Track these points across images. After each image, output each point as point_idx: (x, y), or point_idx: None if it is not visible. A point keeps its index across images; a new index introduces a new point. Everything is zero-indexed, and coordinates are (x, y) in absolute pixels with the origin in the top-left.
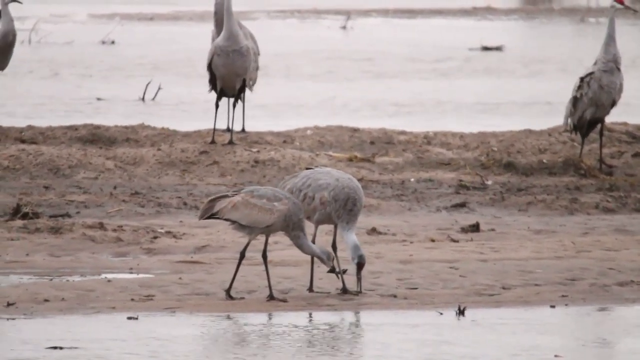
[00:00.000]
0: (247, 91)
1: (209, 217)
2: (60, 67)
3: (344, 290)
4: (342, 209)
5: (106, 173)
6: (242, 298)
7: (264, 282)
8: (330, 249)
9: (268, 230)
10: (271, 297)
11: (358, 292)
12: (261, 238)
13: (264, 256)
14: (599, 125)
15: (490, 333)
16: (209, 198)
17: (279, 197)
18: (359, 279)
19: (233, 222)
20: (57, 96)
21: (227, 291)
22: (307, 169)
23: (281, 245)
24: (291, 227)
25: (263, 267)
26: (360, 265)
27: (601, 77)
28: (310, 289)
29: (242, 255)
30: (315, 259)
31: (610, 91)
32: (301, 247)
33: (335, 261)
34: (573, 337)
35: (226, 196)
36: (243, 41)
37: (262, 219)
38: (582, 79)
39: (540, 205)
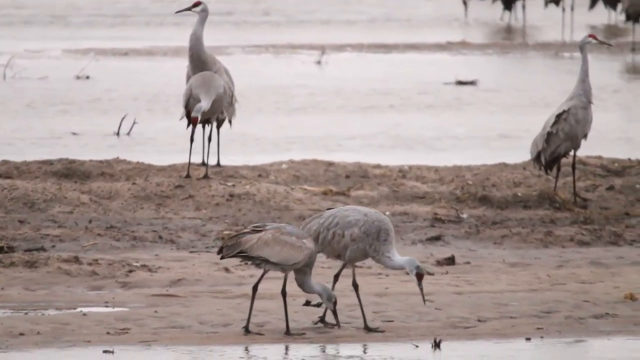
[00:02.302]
0: (224, 124)
1: (233, 255)
2: (35, 102)
3: (322, 320)
4: (376, 241)
5: (81, 207)
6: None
7: (239, 315)
8: (332, 291)
9: (292, 268)
10: (287, 332)
11: (335, 328)
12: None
13: (283, 292)
14: (570, 159)
15: None
16: (229, 236)
17: (304, 235)
18: (421, 290)
19: (261, 259)
20: (32, 131)
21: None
22: (328, 209)
23: (257, 279)
24: (310, 265)
25: (238, 301)
26: (419, 276)
27: (577, 113)
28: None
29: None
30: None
31: (585, 125)
32: (303, 284)
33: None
34: None
35: (246, 233)
36: (219, 85)
37: (293, 257)
38: (558, 116)
39: (515, 239)
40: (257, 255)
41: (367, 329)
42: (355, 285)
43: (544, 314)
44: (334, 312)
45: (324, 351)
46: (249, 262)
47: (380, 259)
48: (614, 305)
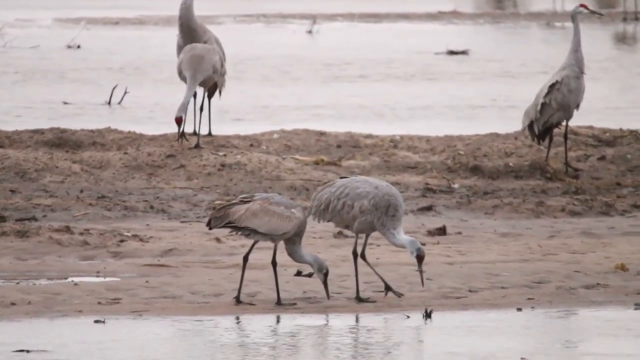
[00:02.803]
0: (215, 95)
1: (223, 226)
2: (26, 72)
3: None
4: (385, 216)
5: (72, 177)
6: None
7: (231, 286)
8: (324, 262)
9: (282, 238)
10: (278, 302)
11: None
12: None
13: (273, 262)
14: (562, 129)
15: (457, 336)
16: (218, 207)
17: (293, 205)
18: (420, 272)
19: (250, 230)
20: (24, 100)
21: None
22: (341, 177)
23: (247, 249)
24: (299, 235)
25: (230, 271)
26: (419, 258)
27: (570, 83)
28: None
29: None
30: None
31: (578, 95)
32: (293, 254)
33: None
34: (539, 340)
35: (235, 204)
36: (207, 68)
37: (281, 227)
38: (551, 86)
39: (507, 209)
40: (245, 226)
41: (359, 299)
42: (355, 254)
43: (535, 284)
44: (325, 283)
45: (315, 321)
46: (239, 233)
47: (385, 233)
48: (605, 275)
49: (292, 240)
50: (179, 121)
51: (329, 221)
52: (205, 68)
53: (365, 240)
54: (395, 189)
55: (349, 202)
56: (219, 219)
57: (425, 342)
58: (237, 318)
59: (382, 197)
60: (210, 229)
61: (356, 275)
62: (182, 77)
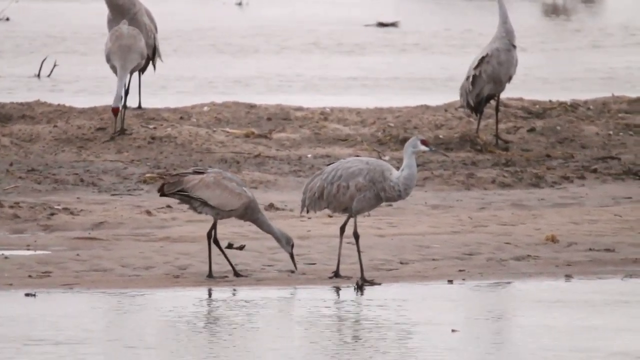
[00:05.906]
0: (150, 69)
1: (174, 193)
2: None
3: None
4: (384, 181)
5: (2, 150)
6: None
7: (162, 258)
8: (289, 235)
9: (227, 215)
10: (210, 275)
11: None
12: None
13: (209, 234)
14: (494, 102)
15: (387, 308)
16: (172, 174)
17: (243, 184)
18: (437, 151)
19: (200, 201)
20: None
21: (235, 272)
22: (329, 164)
23: (179, 222)
24: (249, 214)
25: (160, 244)
26: (424, 142)
27: (500, 55)
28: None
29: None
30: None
31: (509, 67)
32: (262, 225)
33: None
34: (470, 312)
35: (188, 173)
36: (135, 58)
37: (231, 202)
38: (482, 58)
39: (437, 181)
40: (197, 196)
41: (363, 280)
42: (356, 236)
43: (465, 256)
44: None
45: (246, 294)
46: (187, 205)
47: (393, 187)
48: (535, 247)
49: (255, 217)
50: (116, 111)
51: (325, 208)
52: (134, 57)
53: (355, 220)
54: (382, 161)
55: (344, 183)
56: (172, 184)
57: (356, 314)
58: (168, 291)
59: (374, 169)
60: (161, 195)
61: (359, 256)
62: (111, 65)
